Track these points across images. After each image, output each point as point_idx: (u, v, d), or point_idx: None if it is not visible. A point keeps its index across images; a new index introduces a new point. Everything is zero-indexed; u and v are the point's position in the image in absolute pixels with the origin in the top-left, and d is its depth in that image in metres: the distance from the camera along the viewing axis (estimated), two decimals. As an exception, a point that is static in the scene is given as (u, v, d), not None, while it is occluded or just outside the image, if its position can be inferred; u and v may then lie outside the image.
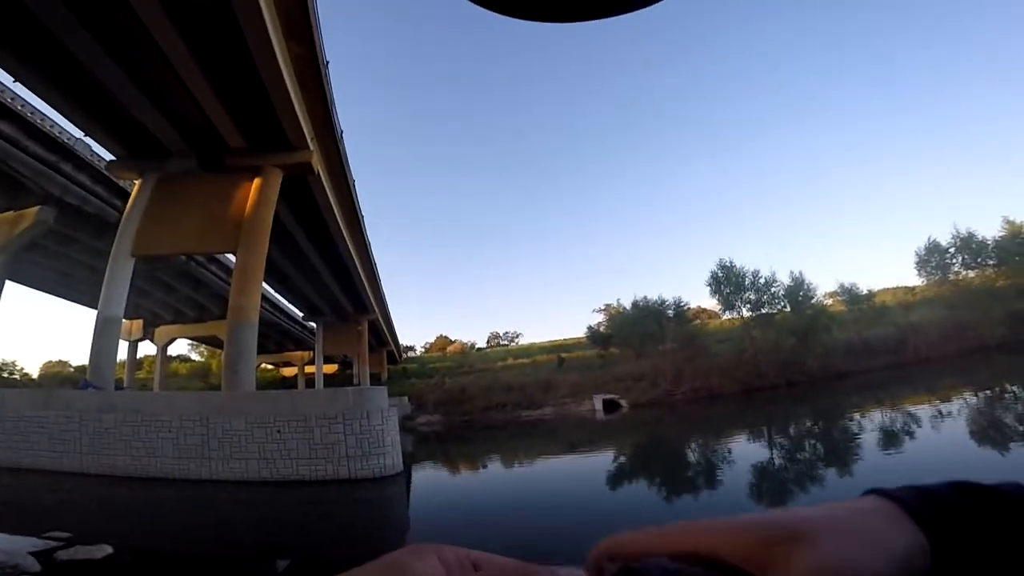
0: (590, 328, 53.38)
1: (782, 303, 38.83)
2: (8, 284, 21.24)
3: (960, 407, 16.45)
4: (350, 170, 24.00)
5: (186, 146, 18.15)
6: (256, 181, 18.54)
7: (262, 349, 39.99)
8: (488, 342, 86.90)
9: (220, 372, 19.86)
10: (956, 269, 38.86)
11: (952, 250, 38.83)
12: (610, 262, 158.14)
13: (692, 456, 15.31)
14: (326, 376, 50.43)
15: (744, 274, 39.95)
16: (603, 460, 15.75)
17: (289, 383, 57.94)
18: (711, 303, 47.94)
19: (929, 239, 40.09)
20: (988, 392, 19.20)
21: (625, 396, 33.86)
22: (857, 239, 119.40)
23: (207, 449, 12.91)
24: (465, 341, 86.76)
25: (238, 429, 12.99)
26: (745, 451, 14.22)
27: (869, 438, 13.36)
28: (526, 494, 11.71)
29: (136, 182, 18.99)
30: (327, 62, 16.70)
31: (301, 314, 47.51)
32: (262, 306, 22.18)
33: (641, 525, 0.35)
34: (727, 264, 40.67)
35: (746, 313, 40.00)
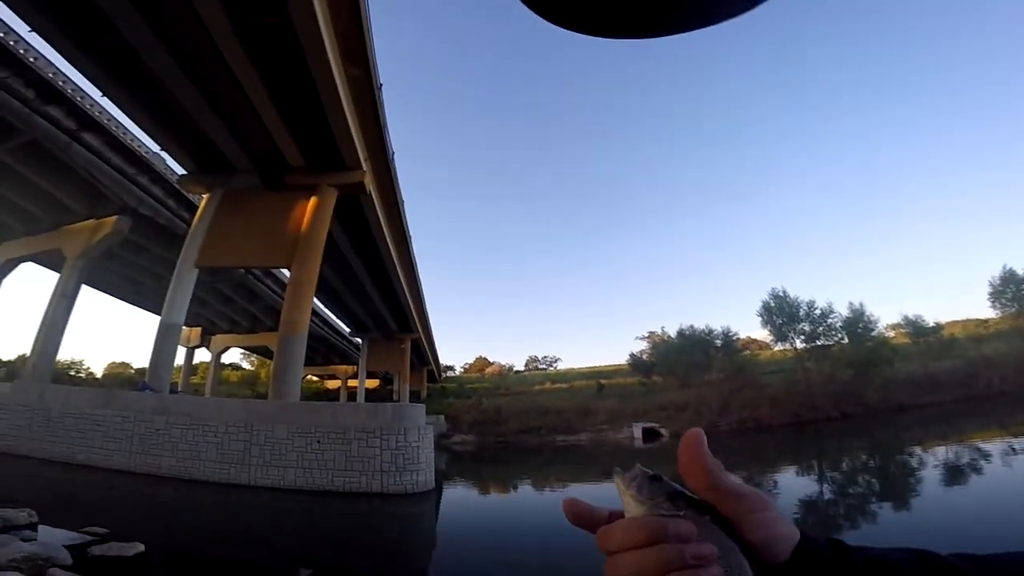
0: (632, 356, 52.32)
1: (839, 335, 36.86)
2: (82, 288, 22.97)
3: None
4: (400, 190, 24.75)
5: (250, 164, 19.27)
6: (312, 200, 19.41)
7: (309, 361, 41.35)
8: (526, 365, 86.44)
9: (268, 381, 20.58)
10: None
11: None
12: (655, 290, 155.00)
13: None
14: (367, 391, 51.46)
15: (798, 304, 38.30)
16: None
17: (332, 395, 59.42)
18: (762, 334, 46.12)
19: (1005, 268, 37.44)
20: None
21: (667, 425, 32.72)
22: (925, 272, 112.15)
23: (248, 455, 13.28)
24: (503, 363, 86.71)
25: (280, 438, 13.33)
26: (791, 485, 13.36)
27: (928, 475, 12.32)
28: (556, 520, 11.41)
29: (204, 196, 20.29)
30: (380, 84, 17.41)
31: (348, 329, 48.88)
32: (311, 320, 22.98)
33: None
34: (780, 294, 39.17)
35: (800, 344, 38.20)
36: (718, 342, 42.08)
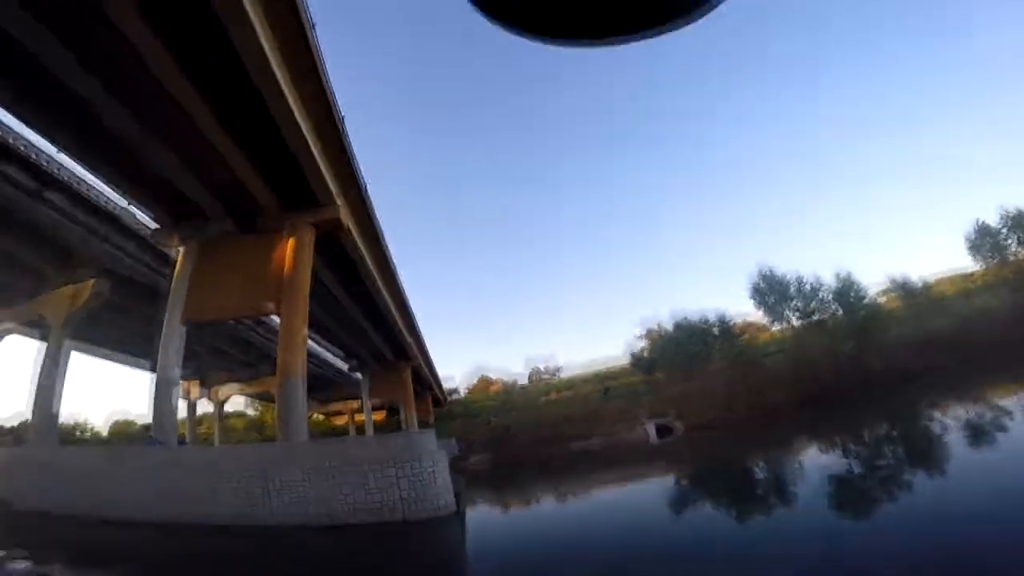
0: (633, 355, 52.29)
1: (832, 306, 37.19)
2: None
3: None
4: (378, 221, 24.70)
5: (223, 210, 19.07)
6: (291, 240, 19.27)
7: (312, 400, 40.79)
8: (529, 378, 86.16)
9: (275, 424, 20.28)
10: (1013, 249, 36.79)
11: (1005, 231, 36.94)
12: (646, 271, 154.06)
13: (753, 480, 14.46)
14: (375, 423, 50.81)
15: (787, 281, 38.69)
16: (652, 490, 15.05)
17: (340, 431, 58.56)
18: (757, 315, 46.27)
19: (978, 221, 38.27)
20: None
21: (677, 419, 32.62)
22: (901, 227, 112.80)
23: (268, 498, 13.13)
24: (507, 380, 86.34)
25: (295, 478, 13.21)
26: (808, 467, 13.31)
27: (954, 439, 12.27)
28: (581, 529, 11.30)
29: (180, 249, 20.08)
30: (343, 116, 17.47)
31: (346, 365, 48.39)
32: (308, 360, 22.65)
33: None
34: (767, 272, 39.53)
35: (795, 321, 38.48)
36: (715, 330, 42.15)
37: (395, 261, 30.22)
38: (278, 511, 12.96)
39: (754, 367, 36.44)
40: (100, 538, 12.09)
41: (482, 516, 15.08)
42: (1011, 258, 36.66)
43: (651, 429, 32.07)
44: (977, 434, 12.18)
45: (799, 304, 38.35)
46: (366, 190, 21.91)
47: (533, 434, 37.26)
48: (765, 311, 40.27)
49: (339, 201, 19.88)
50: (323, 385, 50.76)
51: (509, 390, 74.55)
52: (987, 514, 6.79)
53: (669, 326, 46.51)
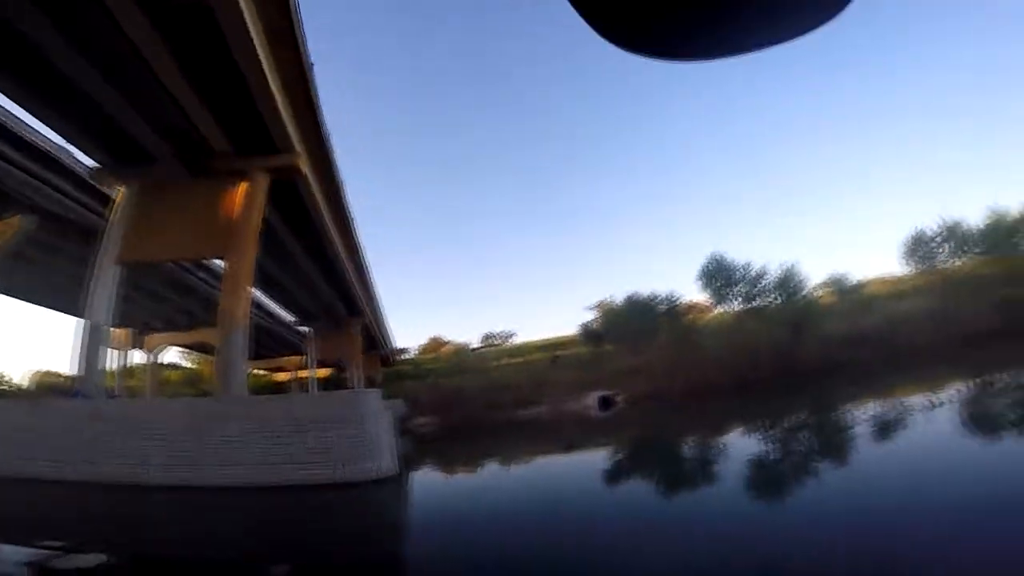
0: (583, 325, 53.49)
1: (774, 295, 39.11)
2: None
3: (953, 396, 16.57)
4: (338, 172, 23.86)
5: (171, 151, 17.89)
6: (243, 185, 18.40)
7: (255, 355, 39.70)
8: (482, 342, 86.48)
9: (212, 378, 19.72)
10: (943, 258, 39.38)
11: (938, 239, 39.38)
12: (602, 258, 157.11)
13: (687, 452, 15.41)
14: (320, 380, 50.19)
15: (735, 267, 40.28)
16: (596, 459, 15.76)
17: (282, 388, 57.44)
18: (703, 297, 48.13)
19: (915, 229, 40.67)
20: (978, 380, 19.36)
21: (620, 392, 33.96)
22: (845, 229, 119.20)
23: (201, 455, 12.70)
24: (459, 342, 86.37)
25: (232, 435, 12.83)
26: (737, 445, 14.29)
27: (860, 430, 13.47)
28: (522, 495, 11.76)
29: (121, 188, 18.73)
30: (312, 64, 16.59)
31: (293, 319, 47.18)
32: (253, 312, 21.98)
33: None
34: (717, 258, 41.02)
35: (738, 306, 40.31)
36: (663, 308, 43.71)
37: (354, 215, 29.41)
38: (211, 470, 12.57)
39: (696, 347, 38.09)
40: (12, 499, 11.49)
41: (425, 480, 15.37)
42: (939, 266, 39.20)
43: (593, 400, 33.33)
44: (882, 428, 13.41)
45: (743, 289, 40.10)
46: (328, 140, 21.08)
47: (482, 399, 37.88)
48: (711, 293, 41.94)
49: (299, 148, 19.01)
50: (268, 339, 49.48)
51: (460, 352, 74.92)
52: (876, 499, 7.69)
53: (621, 301, 47.84)
